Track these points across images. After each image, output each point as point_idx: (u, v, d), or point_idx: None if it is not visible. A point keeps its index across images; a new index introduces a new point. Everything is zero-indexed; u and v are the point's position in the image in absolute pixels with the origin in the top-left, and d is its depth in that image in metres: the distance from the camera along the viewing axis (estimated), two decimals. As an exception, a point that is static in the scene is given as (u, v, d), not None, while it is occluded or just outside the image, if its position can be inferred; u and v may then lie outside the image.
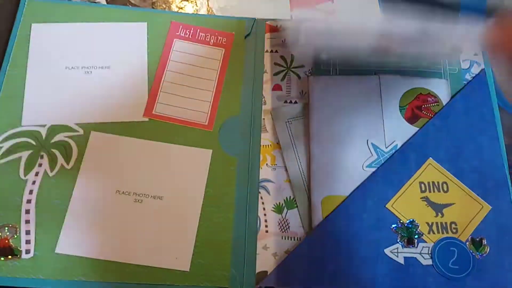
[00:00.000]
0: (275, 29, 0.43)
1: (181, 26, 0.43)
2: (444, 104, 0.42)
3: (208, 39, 0.43)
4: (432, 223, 0.38)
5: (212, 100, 0.41)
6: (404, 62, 0.42)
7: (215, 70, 0.42)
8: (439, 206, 0.38)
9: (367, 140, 0.40)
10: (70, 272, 0.35)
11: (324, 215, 0.37)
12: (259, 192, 0.38)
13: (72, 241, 0.35)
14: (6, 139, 0.38)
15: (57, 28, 0.42)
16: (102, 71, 0.41)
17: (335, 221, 0.37)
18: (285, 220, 0.37)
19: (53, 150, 0.38)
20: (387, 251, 0.36)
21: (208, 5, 0.45)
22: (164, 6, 0.45)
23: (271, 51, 0.43)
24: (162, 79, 0.41)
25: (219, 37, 0.43)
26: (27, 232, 0.36)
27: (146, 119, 0.40)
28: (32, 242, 0.35)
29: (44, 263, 0.35)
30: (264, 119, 0.40)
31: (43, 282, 0.34)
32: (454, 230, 0.38)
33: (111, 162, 0.38)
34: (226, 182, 0.38)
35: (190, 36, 0.43)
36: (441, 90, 0.42)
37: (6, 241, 0.35)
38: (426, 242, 0.37)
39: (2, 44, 0.42)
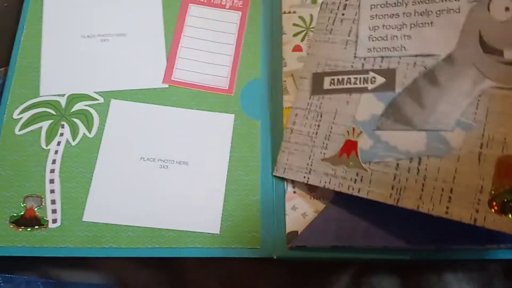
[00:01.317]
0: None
1: (195, -9, 0.42)
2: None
3: (224, 3, 0.42)
4: None
5: (231, 64, 0.40)
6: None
7: (233, 34, 0.41)
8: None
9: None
10: (99, 239, 0.34)
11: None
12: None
13: (99, 209, 0.35)
14: (25, 109, 0.38)
15: (70, -3, 0.41)
16: (119, 39, 0.40)
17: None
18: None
19: (74, 119, 0.37)
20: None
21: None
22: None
23: (289, 12, 0.42)
24: (179, 44, 0.40)
25: (235, 0, 0.42)
26: (53, 202, 0.35)
27: (166, 86, 0.39)
28: (59, 212, 0.35)
29: (71, 232, 0.34)
30: (285, 81, 0.40)
31: (72, 251, 0.34)
32: None
33: (134, 129, 0.37)
34: (251, 145, 0.37)
35: (205, 0, 0.42)
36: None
37: (32, 211, 0.35)
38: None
39: (15, 14, 0.41)
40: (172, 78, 0.39)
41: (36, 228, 0.34)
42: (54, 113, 0.38)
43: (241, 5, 0.42)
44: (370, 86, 0.35)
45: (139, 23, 0.41)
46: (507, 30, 0.31)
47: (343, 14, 0.37)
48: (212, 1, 0.42)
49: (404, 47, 0.34)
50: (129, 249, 0.34)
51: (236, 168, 0.37)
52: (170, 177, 0.36)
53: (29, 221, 0.35)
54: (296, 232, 0.35)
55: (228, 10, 0.42)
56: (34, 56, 0.39)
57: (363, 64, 0.35)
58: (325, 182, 0.34)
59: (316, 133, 0.35)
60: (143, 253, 0.34)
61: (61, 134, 0.37)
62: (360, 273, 0.37)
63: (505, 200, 0.29)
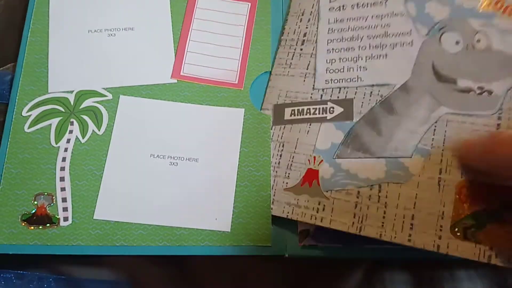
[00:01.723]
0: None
1: (203, -18, 0.41)
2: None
3: (233, -6, 0.41)
4: None
5: (241, 57, 0.39)
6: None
7: (242, 26, 0.40)
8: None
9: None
10: (111, 237, 0.34)
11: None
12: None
13: (110, 207, 0.35)
14: (34, 107, 0.37)
15: (76, -10, 0.40)
16: (126, 33, 0.39)
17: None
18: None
19: (83, 116, 0.37)
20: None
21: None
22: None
23: (300, 4, 0.41)
24: (188, 38, 0.40)
25: (244, -8, 0.41)
26: (64, 200, 0.35)
27: (175, 81, 0.38)
28: (70, 210, 0.35)
29: (83, 229, 0.34)
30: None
31: (84, 249, 0.34)
32: None
33: (143, 125, 0.37)
34: (261, 141, 0.37)
35: (213, -8, 0.41)
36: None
37: (43, 209, 0.35)
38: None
39: (21, 10, 0.41)
40: (181, 73, 0.38)
41: (48, 226, 0.35)
42: (63, 110, 0.37)
43: (250, -4, 0.41)
44: (329, 115, 0.35)
45: (147, 17, 0.40)
46: (458, 62, 0.33)
47: (301, 49, 0.38)
48: (220, -7, 0.41)
49: (360, 78, 0.35)
50: (140, 247, 0.34)
51: (246, 163, 0.36)
52: (180, 175, 0.36)
53: (40, 219, 0.35)
54: (308, 230, 0.35)
55: (237, 2, 0.41)
56: (42, 51, 0.39)
57: (321, 95, 0.36)
58: (288, 213, 0.34)
59: (279, 163, 0.36)
60: (154, 251, 0.34)
61: (71, 131, 0.37)
62: (371, 269, 0.37)
63: (467, 225, 0.29)
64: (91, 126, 0.37)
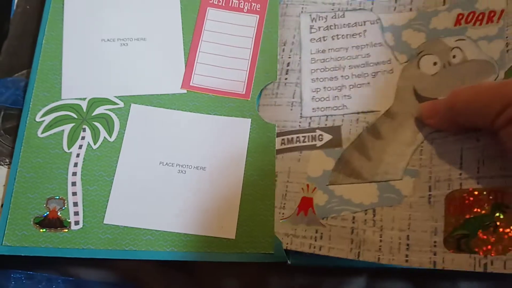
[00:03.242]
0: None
1: (213, -6, 0.42)
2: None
3: (242, 6, 0.42)
4: None
5: (248, 68, 0.40)
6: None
7: (250, 38, 0.41)
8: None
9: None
10: (120, 242, 0.35)
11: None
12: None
13: (120, 212, 0.36)
14: (47, 113, 0.38)
15: (90, 0, 0.42)
16: (138, 43, 0.41)
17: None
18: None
19: (95, 123, 0.38)
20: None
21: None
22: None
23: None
24: (198, 49, 0.41)
25: (253, 4, 0.42)
26: (75, 204, 0.36)
27: (184, 91, 0.40)
28: (81, 214, 0.36)
29: (93, 234, 0.36)
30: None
31: (94, 252, 0.35)
32: None
33: (153, 134, 0.38)
34: (267, 150, 0.38)
35: (223, 4, 0.42)
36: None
37: (55, 213, 0.36)
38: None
39: (36, 18, 0.42)
40: (191, 84, 0.40)
41: (59, 229, 0.36)
42: (75, 116, 0.38)
43: (258, 8, 0.42)
44: (318, 143, 0.36)
45: (159, 28, 0.41)
46: (437, 82, 0.35)
47: (286, 79, 0.39)
48: (230, 5, 0.42)
49: (345, 106, 0.37)
50: (148, 251, 0.35)
51: (252, 172, 0.37)
52: (187, 182, 0.37)
53: (52, 222, 0.36)
54: (311, 238, 0.36)
55: (246, 14, 0.42)
56: (56, 58, 0.40)
57: (309, 123, 0.37)
58: (287, 243, 0.35)
59: (274, 194, 0.36)
60: (162, 256, 0.35)
61: (83, 138, 0.38)
62: (373, 278, 0.38)
63: (459, 236, 0.30)
64: (103, 133, 0.38)
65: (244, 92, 0.40)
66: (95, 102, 0.39)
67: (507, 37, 0.33)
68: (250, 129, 0.38)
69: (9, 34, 0.42)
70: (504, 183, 0.29)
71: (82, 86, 0.39)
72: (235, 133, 0.38)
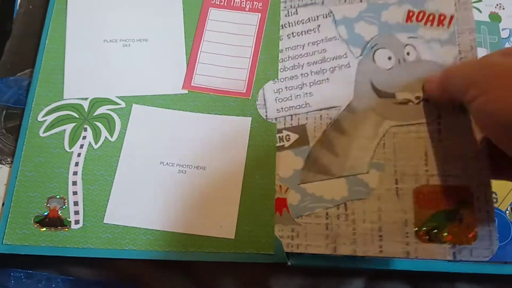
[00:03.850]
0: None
1: (215, -6, 0.42)
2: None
3: (244, 5, 0.42)
4: None
5: (249, 67, 0.40)
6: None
7: (251, 36, 0.41)
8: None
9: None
10: (119, 241, 0.35)
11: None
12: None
13: (120, 212, 0.36)
14: (50, 112, 0.39)
15: (93, 1, 0.42)
16: (140, 44, 0.41)
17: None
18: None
19: (96, 123, 0.38)
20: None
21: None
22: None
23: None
24: (199, 50, 0.41)
25: (255, 2, 0.42)
26: (75, 203, 0.36)
27: (186, 91, 0.40)
28: (81, 213, 0.36)
29: (93, 233, 0.36)
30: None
31: (93, 252, 0.35)
32: (494, 200, 0.38)
33: (154, 134, 0.38)
34: (267, 149, 0.38)
35: (225, 4, 0.42)
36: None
37: (56, 212, 0.36)
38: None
39: (38, 18, 0.42)
40: (192, 84, 0.40)
41: (59, 228, 0.36)
42: (77, 116, 0.39)
43: (260, 6, 0.42)
44: (286, 143, 0.37)
45: (161, 29, 0.41)
46: (393, 76, 0.35)
47: None
48: (232, 4, 0.42)
49: (308, 104, 0.37)
50: (148, 251, 0.35)
51: (252, 172, 0.37)
52: (188, 182, 0.37)
53: (52, 221, 0.36)
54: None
55: (248, 12, 0.42)
56: (58, 59, 0.40)
57: (275, 124, 0.37)
58: None
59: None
60: (161, 255, 0.35)
61: (84, 137, 0.38)
62: (372, 279, 0.38)
63: (429, 228, 0.32)
64: (104, 133, 0.38)
65: (245, 91, 0.40)
66: (96, 102, 0.39)
67: (459, 44, 0.35)
68: (251, 127, 0.38)
69: (11, 33, 0.43)
70: (467, 181, 0.32)
71: (84, 86, 0.39)
72: (235, 132, 0.38)
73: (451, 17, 0.35)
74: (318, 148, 0.36)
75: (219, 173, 0.37)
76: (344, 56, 0.37)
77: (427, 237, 0.32)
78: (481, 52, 0.42)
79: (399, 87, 0.35)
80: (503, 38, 0.43)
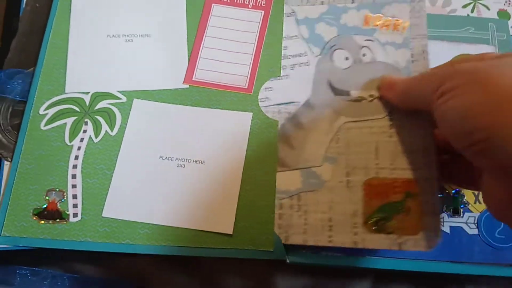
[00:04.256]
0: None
1: (219, -10, 0.42)
2: (492, 71, 0.40)
3: (247, 2, 0.42)
4: (478, 193, 0.37)
5: (251, 63, 0.40)
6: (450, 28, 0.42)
7: (254, 33, 0.41)
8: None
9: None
10: (117, 235, 0.35)
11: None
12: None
13: (118, 206, 0.36)
14: (51, 105, 0.39)
15: (97, -3, 0.42)
16: (143, 39, 0.41)
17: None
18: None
19: (97, 117, 0.38)
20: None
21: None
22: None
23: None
24: (201, 45, 0.41)
25: None
26: (74, 197, 0.36)
27: (186, 86, 0.39)
28: (79, 206, 0.36)
29: (91, 226, 0.35)
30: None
31: (91, 245, 0.35)
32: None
33: (154, 128, 0.38)
34: (268, 145, 0.37)
35: (228, 0, 0.42)
36: (489, 57, 0.41)
37: (55, 205, 0.36)
38: (472, 212, 0.37)
39: (45, 15, 0.43)
40: (193, 79, 0.39)
41: (58, 221, 0.36)
42: (78, 110, 0.39)
43: (264, 4, 0.42)
44: None
45: (163, 25, 0.41)
46: (350, 76, 0.37)
47: None
48: (235, 1, 0.42)
49: (268, 98, 0.38)
50: (145, 246, 0.35)
51: (252, 167, 0.37)
52: (186, 176, 0.36)
53: (51, 214, 0.36)
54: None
55: (251, 9, 0.42)
56: (62, 53, 0.40)
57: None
58: None
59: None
60: (158, 250, 0.35)
61: (84, 131, 0.38)
62: (378, 280, 0.37)
63: (377, 219, 0.33)
64: (105, 127, 0.38)
65: (246, 87, 0.39)
66: (98, 96, 0.39)
67: (411, 49, 0.37)
68: (252, 123, 0.38)
69: (18, 31, 0.43)
70: (414, 175, 0.33)
71: (86, 81, 0.39)
72: (235, 127, 0.38)
73: (406, 24, 0.37)
74: (276, 141, 0.37)
75: (218, 168, 0.37)
76: (304, 54, 0.39)
77: (375, 227, 0.33)
78: (489, 50, 0.41)
79: (354, 86, 0.37)
80: (511, 35, 0.42)
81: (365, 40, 0.38)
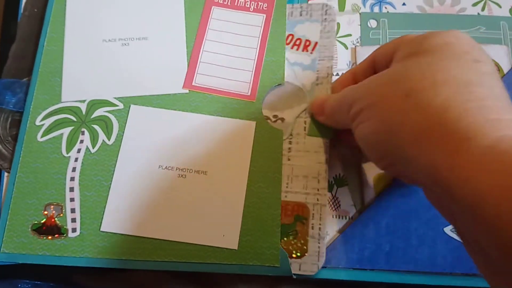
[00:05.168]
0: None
1: (219, -8, 0.40)
2: (505, 72, 0.38)
3: (248, 5, 0.40)
4: None
5: (254, 69, 0.38)
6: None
7: (256, 38, 0.39)
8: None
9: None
10: (117, 250, 0.34)
11: (377, 192, 0.35)
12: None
13: (117, 220, 0.35)
14: (47, 116, 0.37)
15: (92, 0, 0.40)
16: (140, 43, 0.39)
17: (389, 198, 0.35)
18: (335, 198, 0.35)
19: (94, 126, 0.37)
20: (446, 229, 0.34)
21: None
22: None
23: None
24: (201, 49, 0.39)
25: (260, 3, 0.40)
26: (72, 211, 0.35)
27: (186, 91, 0.38)
28: (78, 221, 0.35)
29: (90, 241, 0.34)
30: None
31: (90, 261, 0.34)
32: None
33: (153, 136, 0.36)
34: (272, 156, 0.36)
35: (229, 3, 0.40)
36: (502, 57, 0.39)
37: (53, 219, 0.35)
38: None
39: (38, 19, 0.41)
40: (193, 83, 0.38)
41: (56, 237, 0.35)
42: (74, 119, 0.37)
43: (265, 7, 0.40)
44: None
45: (161, 27, 0.39)
46: None
47: None
48: (236, 4, 0.40)
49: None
50: (146, 261, 0.34)
51: (256, 179, 0.35)
52: (188, 187, 0.35)
53: (49, 229, 0.35)
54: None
55: (252, 13, 0.40)
56: (57, 60, 0.39)
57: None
58: None
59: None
60: (160, 266, 0.34)
61: (81, 141, 0.37)
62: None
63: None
64: (101, 136, 0.37)
65: (249, 94, 0.38)
66: (94, 104, 0.38)
67: (318, 71, 0.37)
68: (255, 132, 0.36)
69: (16, 37, 0.41)
70: (305, 199, 0.34)
71: (82, 88, 0.38)
72: (238, 136, 0.36)
73: (315, 44, 0.37)
74: None
75: (221, 178, 0.35)
76: None
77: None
78: (502, 50, 0.39)
79: (263, 105, 0.37)
80: (524, 35, 0.40)
81: None
